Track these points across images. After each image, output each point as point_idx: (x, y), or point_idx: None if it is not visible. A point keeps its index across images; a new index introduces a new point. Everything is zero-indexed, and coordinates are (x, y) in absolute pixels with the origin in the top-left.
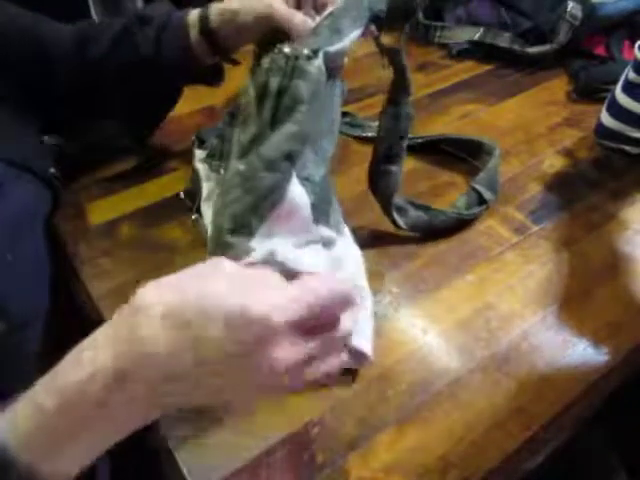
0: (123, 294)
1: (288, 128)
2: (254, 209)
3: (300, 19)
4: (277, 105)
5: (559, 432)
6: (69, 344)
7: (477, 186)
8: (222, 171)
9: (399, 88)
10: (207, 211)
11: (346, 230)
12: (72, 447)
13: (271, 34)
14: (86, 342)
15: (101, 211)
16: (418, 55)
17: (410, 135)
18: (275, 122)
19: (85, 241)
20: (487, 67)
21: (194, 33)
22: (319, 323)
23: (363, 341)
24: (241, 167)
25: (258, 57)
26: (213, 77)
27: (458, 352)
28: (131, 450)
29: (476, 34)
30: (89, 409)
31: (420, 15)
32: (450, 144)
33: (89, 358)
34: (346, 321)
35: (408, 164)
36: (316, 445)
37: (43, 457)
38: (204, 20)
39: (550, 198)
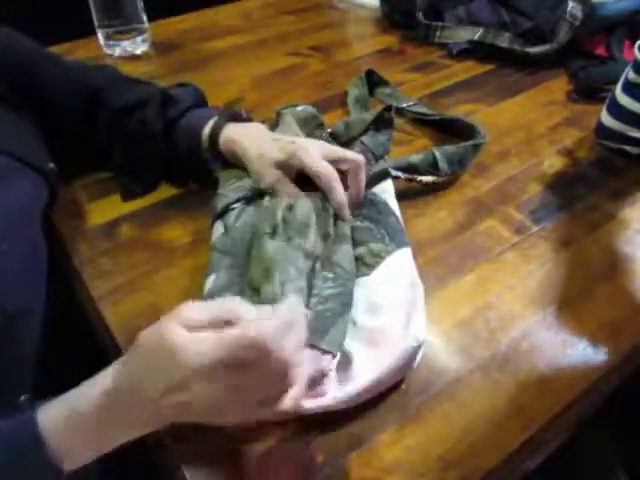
0: (123, 294)
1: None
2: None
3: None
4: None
5: (559, 432)
6: (70, 343)
7: (436, 152)
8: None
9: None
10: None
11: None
12: (92, 442)
13: None
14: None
15: (101, 211)
16: (418, 55)
17: (426, 111)
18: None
19: (85, 241)
20: (487, 67)
21: (203, 148)
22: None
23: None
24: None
25: None
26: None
27: (458, 352)
28: (131, 450)
29: (476, 34)
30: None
31: (420, 15)
32: (450, 125)
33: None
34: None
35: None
36: (316, 445)
37: (66, 446)
38: (214, 140)
39: (550, 198)
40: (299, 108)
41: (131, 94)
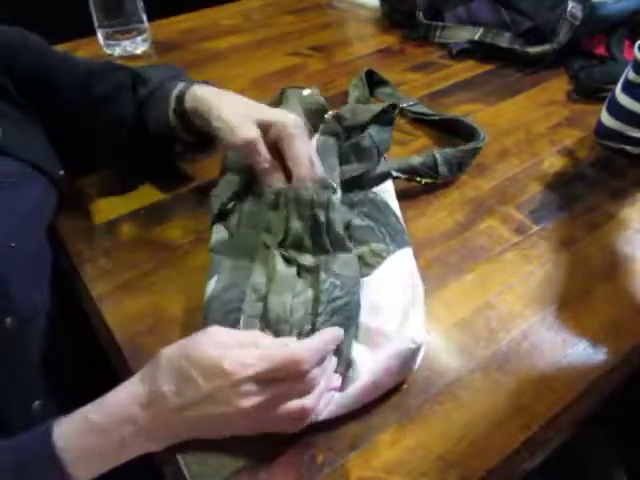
0: (123, 294)
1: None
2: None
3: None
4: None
5: (559, 432)
6: (72, 344)
7: (437, 154)
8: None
9: None
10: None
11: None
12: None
13: None
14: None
15: (101, 211)
16: (418, 55)
17: (426, 110)
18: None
19: (85, 241)
20: (487, 67)
21: (171, 110)
22: (281, 376)
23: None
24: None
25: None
26: (200, 147)
27: (458, 352)
28: None
29: (476, 34)
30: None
31: (420, 15)
32: (451, 125)
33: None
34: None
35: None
36: (316, 445)
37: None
38: (179, 102)
39: (550, 198)
40: (305, 92)
41: (105, 85)
